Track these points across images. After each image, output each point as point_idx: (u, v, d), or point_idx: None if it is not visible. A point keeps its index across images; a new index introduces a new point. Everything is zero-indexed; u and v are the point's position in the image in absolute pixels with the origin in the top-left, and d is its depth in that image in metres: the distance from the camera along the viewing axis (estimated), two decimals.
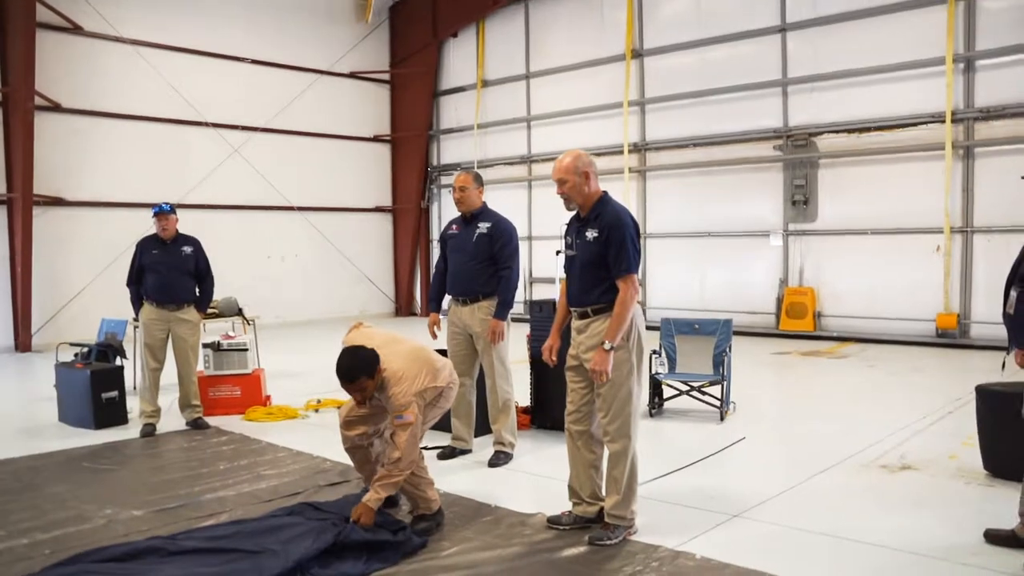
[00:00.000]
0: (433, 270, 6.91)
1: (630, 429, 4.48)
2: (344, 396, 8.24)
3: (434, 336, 6.42)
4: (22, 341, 13.46)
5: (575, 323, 4.67)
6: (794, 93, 13.76)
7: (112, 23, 14.58)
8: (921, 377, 9.90)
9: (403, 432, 4.41)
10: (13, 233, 13.38)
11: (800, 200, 13.65)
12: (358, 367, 4.43)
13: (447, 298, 6.40)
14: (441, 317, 6.45)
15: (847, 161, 13.27)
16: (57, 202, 14.05)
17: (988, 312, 11.91)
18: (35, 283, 13.50)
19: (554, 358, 4.85)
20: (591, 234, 4.52)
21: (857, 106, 13.03)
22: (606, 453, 4.62)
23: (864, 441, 6.54)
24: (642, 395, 4.67)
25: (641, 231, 4.67)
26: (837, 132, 13.30)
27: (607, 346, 4.36)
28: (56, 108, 13.95)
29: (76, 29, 14.18)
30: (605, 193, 4.66)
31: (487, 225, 6.10)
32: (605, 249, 4.46)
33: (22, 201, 13.10)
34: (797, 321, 13.57)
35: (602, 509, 4.61)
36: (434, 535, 4.60)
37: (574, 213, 4.72)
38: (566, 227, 4.81)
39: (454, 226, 6.33)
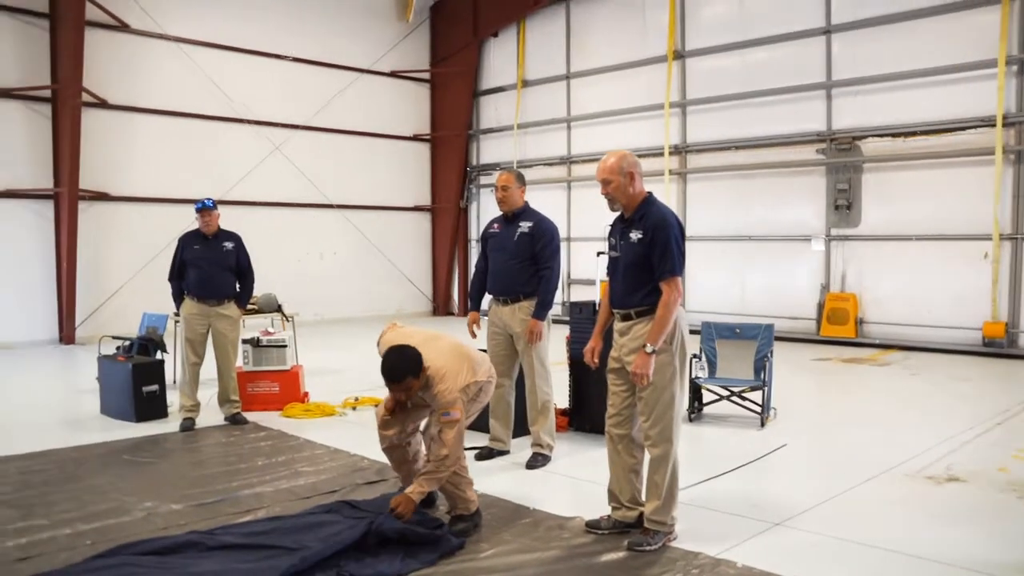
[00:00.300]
0: (473, 269, 6.88)
1: (672, 434, 4.41)
2: (380, 393, 8.21)
3: (473, 335, 6.39)
4: (66, 334, 13.69)
5: (618, 325, 4.61)
6: (838, 96, 13.54)
7: (158, 21, 14.78)
8: (967, 387, 9.68)
9: (450, 429, 4.41)
10: (59, 227, 13.62)
11: (843, 204, 13.43)
12: (404, 367, 4.42)
13: (487, 297, 6.37)
14: (481, 316, 6.42)
15: (892, 165, 13.02)
16: (102, 197, 14.26)
17: None
18: (79, 277, 13.72)
19: (596, 360, 4.80)
20: (635, 235, 4.46)
21: (903, 109, 12.77)
22: (647, 457, 4.55)
23: (909, 451, 6.39)
24: (684, 400, 4.60)
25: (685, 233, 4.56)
26: (882, 136, 13.07)
27: (649, 349, 4.30)
28: (103, 104, 14.17)
29: (123, 27, 14.39)
30: (650, 194, 4.59)
31: (529, 224, 6.06)
32: (649, 251, 4.40)
33: (68, 196, 13.32)
34: (838, 327, 13.35)
35: (642, 514, 4.55)
36: (472, 536, 4.57)
37: (618, 214, 4.66)
38: (610, 228, 4.75)
39: (495, 225, 6.29)
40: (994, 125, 11.81)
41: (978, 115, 12.05)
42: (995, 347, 11.88)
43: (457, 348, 4.75)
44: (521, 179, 6.18)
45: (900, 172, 12.94)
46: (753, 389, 7.59)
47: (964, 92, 12.19)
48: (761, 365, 7.60)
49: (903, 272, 12.92)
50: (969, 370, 10.76)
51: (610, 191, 4.52)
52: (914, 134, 12.70)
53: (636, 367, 4.33)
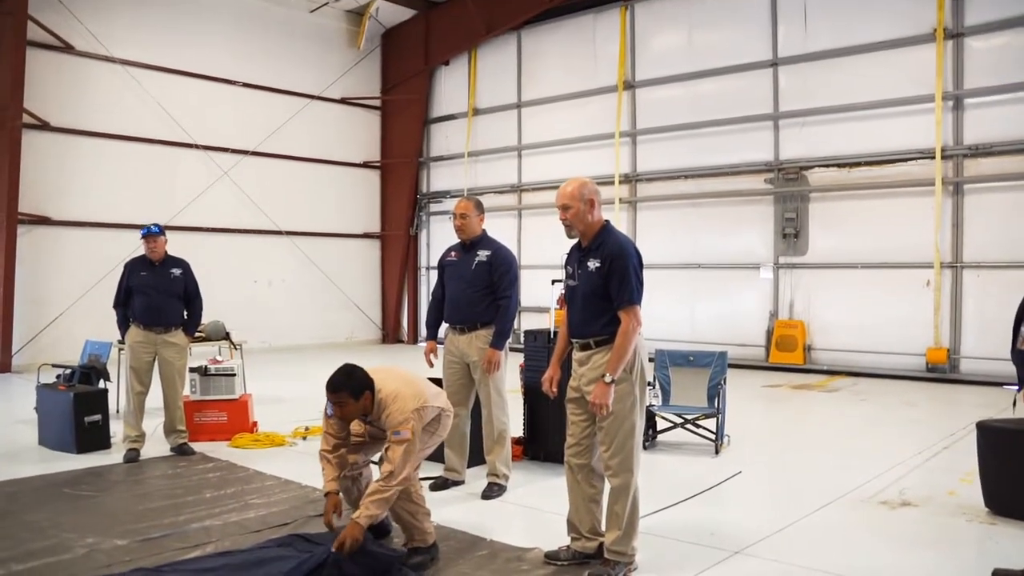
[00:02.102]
0: (425, 297, 6.81)
1: (632, 463, 4.37)
2: None
3: (430, 364, 6.31)
4: (2, 361, 13.22)
5: (576, 355, 4.57)
6: (785, 127, 13.84)
7: (103, 43, 14.52)
8: (914, 411, 9.86)
9: (398, 447, 4.32)
10: None
11: (791, 233, 13.67)
12: (342, 381, 4.39)
13: (444, 326, 6.30)
14: (437, 345, 6.35)
15: (837, 195, 13.33)
16: (43, 221, 13.88)
17: (978, 347, 11.94)
18: (17, 302, 13.29)
19: (555, 389, 4.75)
20: (593, 264, 4.44)
21: (848, 141, 13.11)
22: (607, 487, 4.51)
23: (862, 476, 6.46)
24: (640, 431, 4.56)
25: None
26: (828, 166, 13.37)
27: (608, 379, 4.27)
28: (44, 126, 13.84)
29: (67, 48, 14.11)
30: (608, 222, 4.59)
31: (487, 253, 6.01)
32: (607, 279, 4.38)
33: (6, 219, 12.94)
34: (787, 354, 13.54)
35: (602, 544, 4.50)
36: (429, 569, 4.47)
37: (575, 242, 4.64)
38: (567, 256, 4.73)
39: (453, 253, 6.23)
40: (933, 157, 12.17)
41: (918, 147, 12.42)
42: (938, 372, 12.16)
43: (413, 377, 4.71)
44: (480, 207, 6.15)
45: (845, 201, 13.25)
46: (707, 416, 7.62)
47: (905, 125, 12.57)
48: (715, 392, 7.63)
49: (849, 299, 13.18)
50: (915, 395, 10.97)
51: (569, 217, 4.49)
52: (858, 164, 13.02)
53: (595, 397, 4.29)
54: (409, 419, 4.36)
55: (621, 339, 4.30)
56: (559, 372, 4.78)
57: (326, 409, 4.59)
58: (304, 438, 8.04)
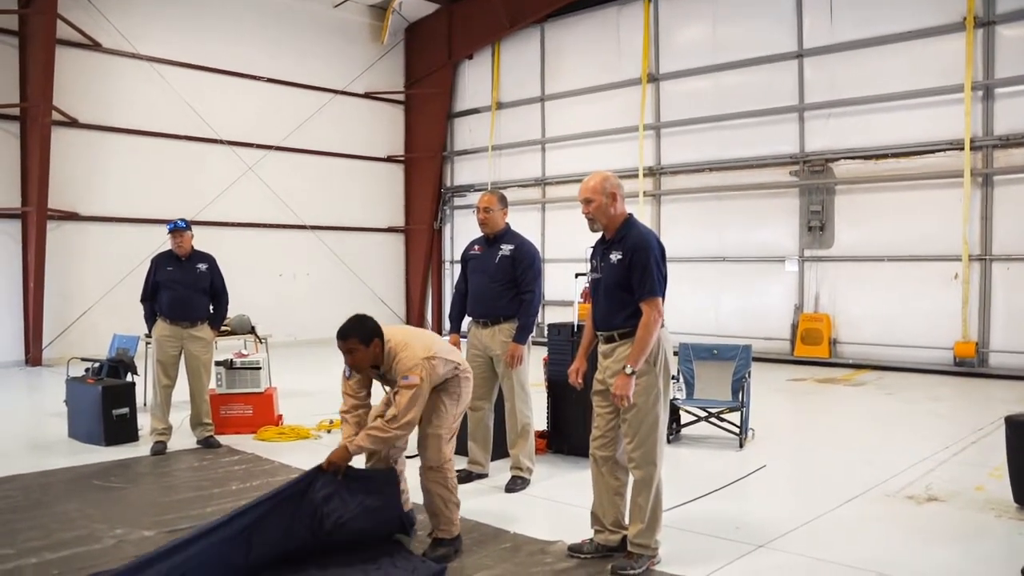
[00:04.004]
0: (448, 291, 6.84)
1: (656, 456, 4.37)
2: None
3: None
4: (33, 355, 13.43)
5: (601, 347, 4.57)
6: (810, 119, 13.71)
7: (130, 40, 14.66)
8: (940, 406, 9.75)
9: (406, 392, 4.34)
10: (27, 247, 13.39)
11: (816, 226, 13.56)
12: (352, 328, 4.43)
13: (467, 320, 6.32)
14: (461, 339, 6.37)
15: (864, 187, 13.19)
16: (71, 217, 14.06)
17: (1007, 341, 11.80)
18: (47, 297, 13.49)
19: (580, 380, 4.76)
20: (615, 256, 4.44)
21: (874, 133, 12.97)
22: (631, 480, 4.50)
23: (888, 471, 6.40)
24: (664, 423, 4.55)
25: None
26: (854, 158, 13.24)
27: (629, 371, 4.26)
28: (73, 123, 14.00)
29: (95, 46, 14.26)
30: (631, 215, 4.58)
31: (510, 247, 6.01)
32: (629, 272, 4.38)
33: (36, 215, 13.12)
34: (812, 347, 13.43)
35: (625, 538, 4.50)
36: (452, 561, 4.49)
37: (600, 235, 4.64)
38: (591, 249, 4.73)
39: (476, 247, 6.24)
40: (962, 148, 12.00)
41: (947, 138, 12.25)
42: (966, 366, 12.01)
43: (426, 333, 4.81)
44: (504, 201, 6.14)
45: (872, 194, 13.10)
46: (731, 410, 7.58)
47: (933, 116, 12.40)
48: (739, 386, 7.59)
49: (876, 292, 13.05)
50: (942, 389, 10.85)
51: (591, 211, 4.50)
52: (885, 156, 12.88)
53: (616, 389, 4.29)
54: (419, 365, 4.39)
55: (642, 331, 4.29)
56: (585, 364, 4.78)
57: (344, 371, 4.63)
58: (329, 431, 8.09)
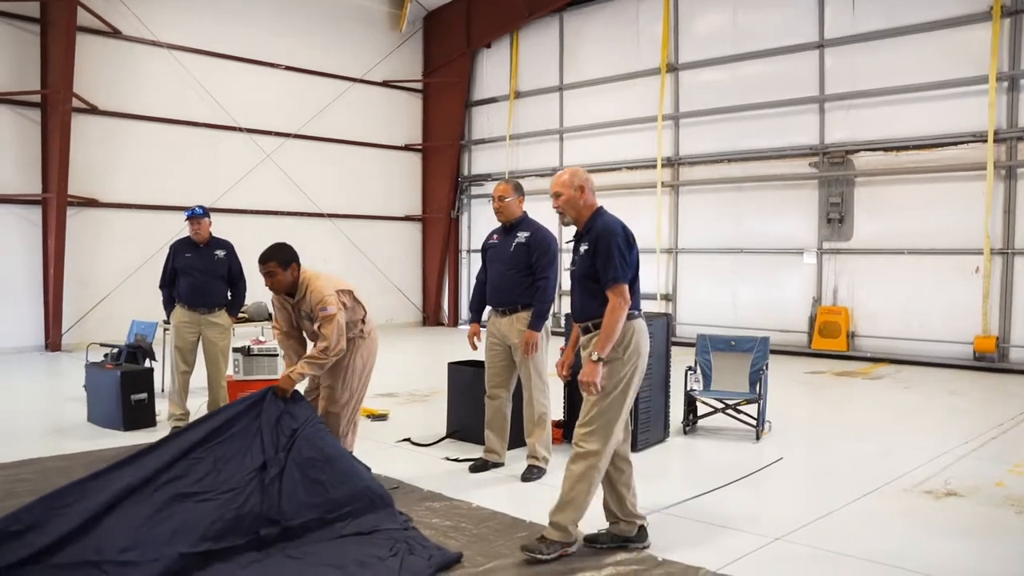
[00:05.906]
0: (466, 280, 6.84)
1: (602, 444, 4.30)
2: (373, 403, 8.21)
3: (474, 347, 6.33)
4: (52, 340, 13.54)
5: (581, 339, 4.60)
6: (831, 110, 13.59)
7: (150, 27, 14.70)
8: (960, 401, 9.67)
9: (328, 323, 5.09)
10: (47, 233, 13.49)
11: (835, 218, 13.45)
12: (272, 252, 5.20)
13: (488, 308, 6.32)
14: (481, 329, 6.37)
15: (884, 180, 13.06)
16: (91, 203, 14.14)
17: None
18: (67, 283, 13.58)
19: (567, 373, 4.83)
20: (583, 247, 4.50)
21: (895, 124, 12.82)
22: (634, 471, 4.52)
23: (906, 465, 6.36)
24: (624, 413, 4.45)
25: (634, 240, 4.49)
26: (874, 150, 13.11)
27: (594, 357, 4.26)
28: (93, 110, 14.06)
29: (115, 33, 14.30)
30: (600, 207, 4.62)
31: (525, 235, 6.00)
32: (595, 260, 4.40)
33: (57, 201, 13.20)
34: (830, 340, 13.35)
35: (642, 527, 4.50)
36: (470, 550, 4.48)
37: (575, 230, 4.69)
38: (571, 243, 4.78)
39: (495, 236, 6.24)
40: (985, 140, 11.87)
41: (969, 130, 12.10)
42: (986, 361, 11.90)
43: (339, 278, 5.48)
44: (519, 189, 6.13)
45: (892, 186, 12.98)
46: (748, 402, 7.56)
47: (955, 107, 12.26)
48: (756, 378, 7.56)
49: (895, 286, 12.94)
50: (961, 384, 10.76)
51: (560, 204, 4.58)
52: (906, 148, 12.74)
53: (583, 376, 4.29)
54: (331, 295, 5.13)
55: (607, 318, 4.28)
56: (572, 356, 4.85)
57: (273, 311, 5.59)
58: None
